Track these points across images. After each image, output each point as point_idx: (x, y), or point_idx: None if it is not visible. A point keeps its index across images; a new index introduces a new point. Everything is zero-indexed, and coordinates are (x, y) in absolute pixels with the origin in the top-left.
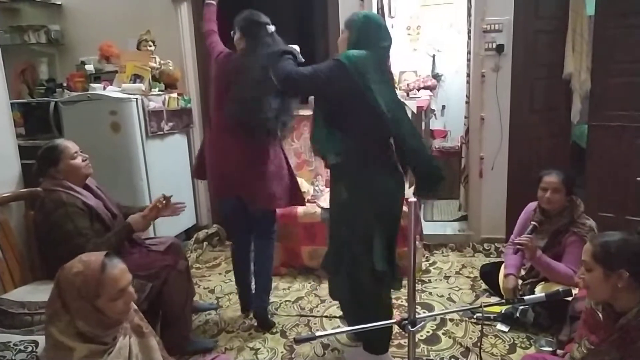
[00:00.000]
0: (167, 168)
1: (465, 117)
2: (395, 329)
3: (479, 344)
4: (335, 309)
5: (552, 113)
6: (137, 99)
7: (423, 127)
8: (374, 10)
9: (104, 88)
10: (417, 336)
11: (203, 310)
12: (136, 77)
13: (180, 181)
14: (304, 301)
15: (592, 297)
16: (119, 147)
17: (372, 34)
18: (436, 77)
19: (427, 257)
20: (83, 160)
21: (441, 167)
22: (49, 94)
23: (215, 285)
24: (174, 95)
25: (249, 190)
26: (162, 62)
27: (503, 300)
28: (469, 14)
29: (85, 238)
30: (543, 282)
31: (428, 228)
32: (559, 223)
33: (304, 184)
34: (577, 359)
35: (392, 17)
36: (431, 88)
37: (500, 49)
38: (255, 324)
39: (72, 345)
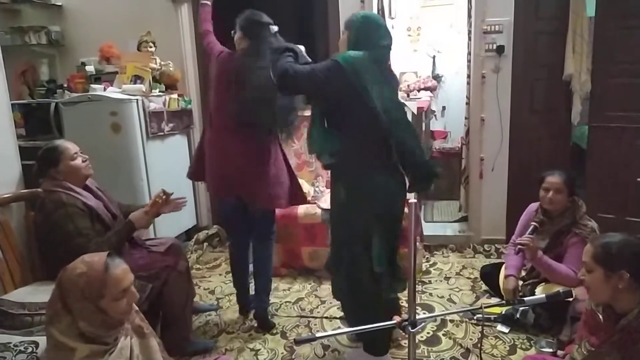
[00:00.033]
0: (167, 169)
1: (466, 118)
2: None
3: (479, 345)
4: (335, 310)
5: (553, 114)
6: (137, 100)
7: (423, 128)
8: (375, 11)
9: (105, 89)
10: (418, 337)
11: (203, 311)
12: (136, 78)
13: (181, 182)
14: (304, 302)
15: (592, 298)
16: (119, 148)
17: (372, 34)
18: (436, 78)
19: (427, 258)
20: (83, 161)
21: (437, 167)
22: (49, 95)
23: (216, 286)
24: (175, 96)
25: (250, 190)
26: (162, 63)
27: (503, 302)
28: (469, 15)
29: (86, 238)
30: (543, 283)
31: (428, 229)
32: (560, 224)
33: (304, 185)
34: None
35: (392, 18)
36: (431, 89)
37: (500, 50)
38: (256, 325)
39: (73, 345)
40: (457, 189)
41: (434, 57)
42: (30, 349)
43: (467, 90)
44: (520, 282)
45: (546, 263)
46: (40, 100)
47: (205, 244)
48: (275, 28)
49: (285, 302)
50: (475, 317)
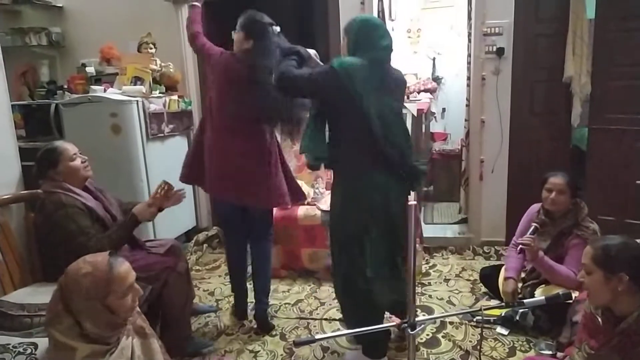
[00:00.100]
0: (167, 170)
1: (466, 120)
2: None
3: (478, 347)
4: (334, 312)
5: (552, 116)
6: (137, 101)
7: (423, 130)
8: (375, 13)
9: (105, 90)
10: (417, 339)
11: (202, 312)
12: (137, 80)
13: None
14: (304, 304)
15: (592, 300)
16: (119, 149)
17: (371, 35)
18: (436, 79)
19: (427, 259)
20: (82, 162)
21: (425, 171)
22: (49, 96)
23: (215, 287)
24: (175, 97)
25: (252, 190)
26: (162, 64)
27: (503, 304)
28: (469, 17)
29: (87, 236)
30: (543, 285)
31: (428, 231)
32: (562, 225)
33: (303, 187)
34: None
35: (392, 20)
36: (431, 91)
37: (500, 52)
38: (255, 326)
39: (75, 345)
40: (457, 190)
41: (434, 59)
42: (29, 351)
43: (467, 92)
44: (520, 284)
45: (547, 264)
46: (41, 102)
47: (205, 245)
48: (277, 28)
49: (285, 303)
50: (474, 319)
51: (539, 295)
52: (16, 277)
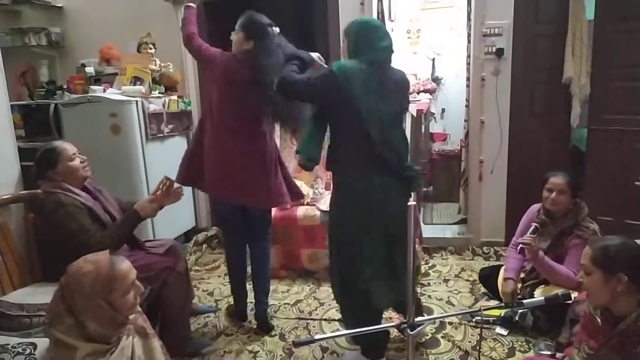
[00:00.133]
0: (166, 170)
1: (465, 121)
2: (394, 332)
3: (478, 347)
4: (334, 312)
5: (552, 117)
6: (137, 101)
7: (423, 130)
8: (374, 14)
9: (104, 90)
10: (416, 339)
11: (202, 312)
12: (136, 80)
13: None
14: (303, 304)
15: (591, 301)
16: (118, 149)
17: (370, 37)
18: (436, 80)
19: (426, 260)
20: (81, 162)
21: (420, 175)
22: (49, 96)
23: (214, 287)
24: (174, 97)
25: (253, 190)
26: (162, 64)
27: (502, 304)
28: (469, 18)
29: (88, 234)
30: (542, 286)
31: (427, 231)
32: (562, 225)
33: (303, 187)
34: None
35: (392, 21)
36: (431, 91)
37: (500, 52)
38: (254, 326)
39: (75, 344)
40: (457, 191)
41: (433, 60)
42: (28, 351)
43: (466, 92)
44: (519, 285)
45: (547, 264)
46: (40, 102)
47: (204, 245)
48: (277, 29)
49: (284, 304)
50: (474, 320)
51: (539, 295)
52: (15, 278)
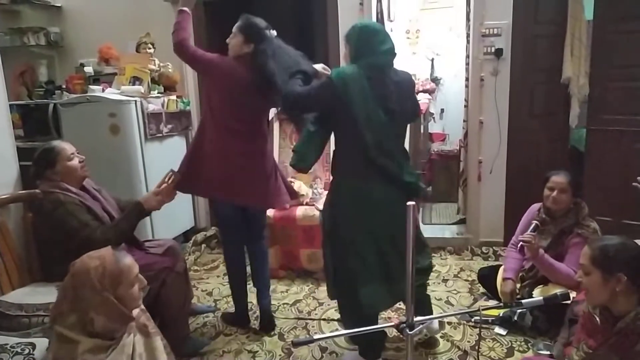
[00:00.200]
0: (165, 170)
1: (464, 121)
2: (394, 332)
3: (476, 347)
4: (333, 312)
5: (551, 117)
6: (136, 101)
7: (422, 130)
8: (373, 14)
9: (103, 90)
10: (415, 339)
11: (201, 312)
12: (135, 80)
13: None
14: (302, 304)
15: (590, 300)
16: (117, 149)
17: (371, 41)
18: (435, 80)
19: None
20: (80, 162)
21: (420, 187)
22: (48, 96)
23: (213, 287)
24: (173, 97)
25: (258, 191)
26: (161, 64)
27: (501, 304)
28: (468, 18)
29: (91, 228)
30: (541, 286)
31: (426, 231)
32: (563, 224)
33: (302, 187)
34: None
35: (391, 21)
36: (430, 91)
37: (499, 53)
38: (253, 326)
39: (77, 338)
40: (456, 191)
41: (432, 60)
42: (27, 351)
43: (465, 93)
44: (519, 284)
45: (547, 262)
46: (39, 101)
47: (203, 245)
48: (274, 32)
49: (283, 304)
50: (473, 320)
51: (537, 295)
52: (14, 277)
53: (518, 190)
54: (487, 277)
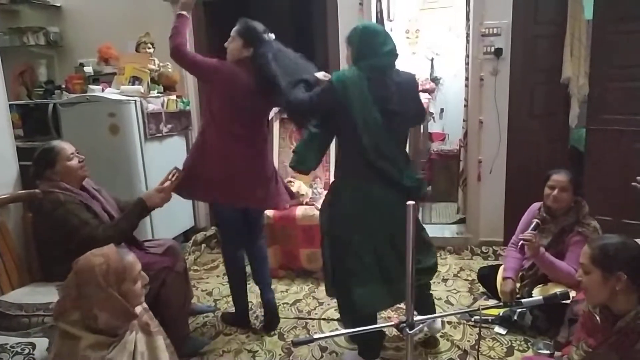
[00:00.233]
0: (165, 170)
1: (464, 121)
2: (393, 331)
3: (476, 346)
4: (333, 312)
5: (550, 117)
6: (135, 101)
7: (422, 130)
8: (373, 14)
9: (103, 90)
10: (415, 339)
11: (201, 312)
12: (135, 79)
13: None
14: (302, 304)
15: (590, 299)
16: (117, 149)
17: (372, 42)
18: (435, 80)
19: None
20: (79, 162)
21: (422, 187)
22: (47, 96)
23: (213, 287)
24: (173, 97)
25: (259, 193)
26: (161, 64)
27: (501, 303)
28: (468, 18)
29: (92, 226)
30: (541, 285)
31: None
32: (563, 223)
33: (302, 187)
34: None
35: (390, 21)
36: (430, 91)
37: (498, 52)
38: (254, 325)
39: (80, 334)
40: (455, 191)
41: (432, 60)
42: (27, 350)
43: (465, 92)
44: (519, 283)
45: (548, 260)
46: (38, 101)
47: (203, 245)
48: (272, 35)
49: (283, 303)
50: (472, 319)
51: (537, 295)
52: (14, 277)
53: (518, 190)
54: (486, 277)
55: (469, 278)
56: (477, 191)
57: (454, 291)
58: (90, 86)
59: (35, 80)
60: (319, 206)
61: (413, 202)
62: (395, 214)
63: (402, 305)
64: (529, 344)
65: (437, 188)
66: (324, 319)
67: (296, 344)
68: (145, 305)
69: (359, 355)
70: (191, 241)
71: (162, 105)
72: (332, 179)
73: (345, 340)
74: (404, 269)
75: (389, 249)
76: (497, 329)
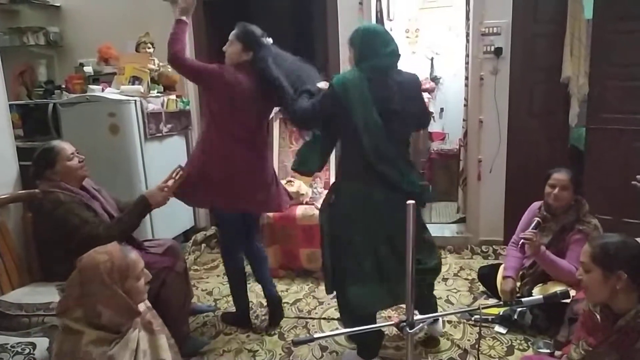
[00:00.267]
0: (165, 170)
1: (464, 120)
2: (394, 331)
3: (477, 346)
4: (333, 311)
5: (550, 116)
6: (135, 100)
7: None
8: (373, 14)
9: (103, 90)
10: (415, 338)
11: (201, 312)
12: (135, 79)
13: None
14: (302, 303)
15: (590, 298)
16: (117, 149)
17: (374, 43)
18: (435, 79)
19: None
20: (79, 162)
21: (426, 194)
22: (47, 96)
23: (213, 287)
24: (173, 97)
25: (260, 196)
26: (160, 64)
27: (501, 303)
28: (468, 17)
29: (93, 225)
30: (541, 284)
31: None
32: (564, 221)
33: (302, 187)
34: None
35: (390, 20)
36: (430, 91)
37: (498, 52)
38: (255, 325)
39: (82, 329)
40: (455, 190)
41: (432, 59)
42: (27, 350)
43: (465, 92)
44: (519, 283)
45: (549, 258)
46: (38, 101)
47: (203, 245)
48: (270, 40)
49: (283, 303)
50: (473, 318)
51: (537, 294)
52: (14, 277)
53: (518, 189)
54: (487, 276)
55: (469, 277)
56: (477, 190)
57: (454, 290)
58: (90, 86)
59: (35, 80)
60: (319, 206)
61: (413, 202)
62: (396, 216)
63: (403, 305)
64: (529, 343)
65: (437, 187)
66: (324, 319)
67: (296, 343)
68: (148, 303)
69: (358, 355)
70: (191, 241)
71: (162, 105)
72: (332, 179)
73: (345, 340)
74: (404, 269)
75: (389, 250)
76: (497, 328)
